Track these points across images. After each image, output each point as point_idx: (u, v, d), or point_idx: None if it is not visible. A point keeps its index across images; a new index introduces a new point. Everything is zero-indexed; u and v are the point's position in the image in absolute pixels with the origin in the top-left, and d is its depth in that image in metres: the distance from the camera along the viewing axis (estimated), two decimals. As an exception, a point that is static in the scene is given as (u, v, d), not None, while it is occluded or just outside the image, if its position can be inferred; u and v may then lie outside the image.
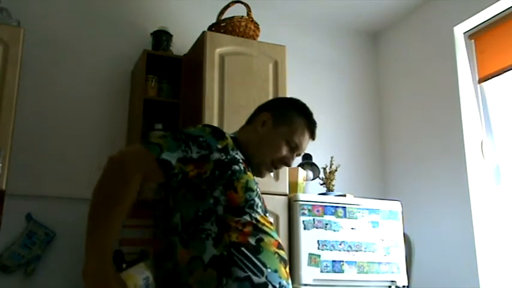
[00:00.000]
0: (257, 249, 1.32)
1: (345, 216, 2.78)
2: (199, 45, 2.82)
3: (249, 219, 1.36)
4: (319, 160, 3.28)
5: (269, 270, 1.30)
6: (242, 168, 1.41)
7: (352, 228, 2.78)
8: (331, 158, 3.21)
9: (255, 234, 1.34)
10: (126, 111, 3.09)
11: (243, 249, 1.30)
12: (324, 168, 3.20)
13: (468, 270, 2.92)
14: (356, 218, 2.81)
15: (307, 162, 3.28)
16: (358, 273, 2.72)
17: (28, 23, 2.77)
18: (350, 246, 2.75)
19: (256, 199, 1.41)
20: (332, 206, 2.77)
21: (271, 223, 1.43)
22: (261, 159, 1.52)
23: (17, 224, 2.71)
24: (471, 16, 3.17)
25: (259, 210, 1.40)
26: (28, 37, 2.64)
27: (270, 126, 1.56)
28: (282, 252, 1.38)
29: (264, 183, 2.61)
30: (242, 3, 2.98)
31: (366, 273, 2.74)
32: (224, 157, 1.37)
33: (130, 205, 1.26)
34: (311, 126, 1.60)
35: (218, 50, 2.76)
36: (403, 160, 3.59)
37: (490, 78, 3.11)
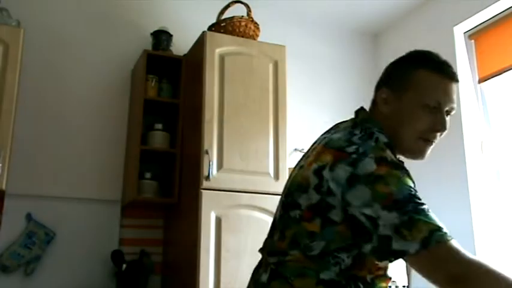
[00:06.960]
0: (372, 284, 1.14)
1: (345, 216, 2.78)
2: (199, 45, 2.82)
3: (385, 264, 1.16)
4: (319, 160, 3.27)
5: None
6: None
7: (352, 228, 2.78)
8: (331, 158, 3.20)
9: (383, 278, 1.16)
10: (126, 111, 3.09)
11: (359, 283, 1.13)
12: (324, 168, 3.19)
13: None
14: (356, 218, 2.81)
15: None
16: (358, 273, 2.72)
17: (28, 23, 2.78)
18: (350, 246, 2.75)
19: None
20: (332, 206, 2.77)
21: None
22: (407, 143, 1.26)
23: (17, 224, 2.70)
24: (471, 16, 3.16)
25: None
26: (28, 37, 2.65)
27: (393, 101, 1.26)
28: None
29: (264, 183, 2.65)
30: (242, 3, 2.98)
31: (366, 273, 2.74)
32: None
33: None
34: (440, 68, 1.22)
35: (218, 50, 2.76)
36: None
37: (490, 78, 3.11)
